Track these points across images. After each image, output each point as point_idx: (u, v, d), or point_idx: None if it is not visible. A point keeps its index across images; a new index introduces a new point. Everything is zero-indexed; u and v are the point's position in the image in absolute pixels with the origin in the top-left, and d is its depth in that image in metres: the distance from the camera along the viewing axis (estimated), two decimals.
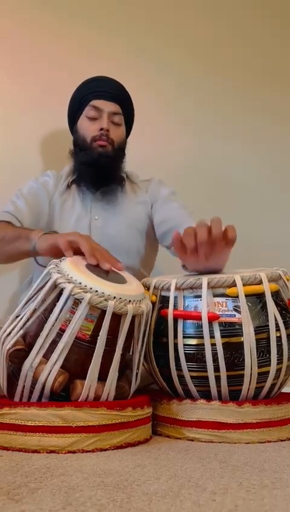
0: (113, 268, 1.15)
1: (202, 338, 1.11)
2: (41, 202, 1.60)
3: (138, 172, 1.74)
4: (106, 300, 1.01)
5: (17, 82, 1.94)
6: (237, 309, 1.12)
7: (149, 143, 2.01)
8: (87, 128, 1.60)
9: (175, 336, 1.15)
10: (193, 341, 1.13)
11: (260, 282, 1.14)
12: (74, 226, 1.57)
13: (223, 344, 1.10)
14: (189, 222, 1.51)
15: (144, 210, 1.66)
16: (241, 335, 1.10)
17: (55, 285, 1.04)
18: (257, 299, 1.14)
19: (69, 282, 1.02)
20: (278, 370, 1.14)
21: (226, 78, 2.15)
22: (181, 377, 1.15)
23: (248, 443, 1.08)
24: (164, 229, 1.61)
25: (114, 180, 1.63)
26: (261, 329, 1.12)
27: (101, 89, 1.61)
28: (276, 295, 1.17)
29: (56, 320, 1.01)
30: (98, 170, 1.58)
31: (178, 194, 1.73)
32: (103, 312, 1.01)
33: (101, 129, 1.57)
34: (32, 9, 1.97)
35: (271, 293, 1.14)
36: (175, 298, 1.16)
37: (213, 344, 1.10)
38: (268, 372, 1.13)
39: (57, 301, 1.02)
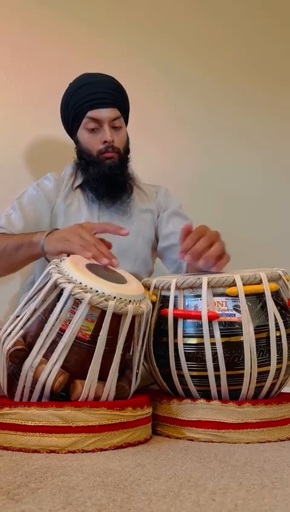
0: (110, 266, 1.16)
1: (202, 337, 1.11)
2: (42, 211, 1.55)
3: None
4: (106, 300, 1.01)
5: (17, 82, 1.94)
6: (237, 309, 1.12)
7: (148, 142, 2.01)
8: (90, 141, 1.54)
9: (175, 336, 1.15)
10: (193, 340, 1.13)
11: (260, 282, 1.14)
12: None
13: (223, 344, 1.10)
14: None
15: (150, 219, 1.64)
16: (241, 335, 1.10)
17: (55, 286, 1.04)
18: (256, 299, 1.14)
19: (69, 282, 1.02)
20: (278, 370, 1.14)
21: (227, 78, 2.15)
22: (181, 376, 1.15)
23: (248, 443, 1.08)
24: (167, 244, 1.60)
25: (126, 190, 1.60)
26: (261, 329, 1.12)
27: (95, 96, 1.52)
28: (276, 294, 1.17)
29: (56, 320, 1.01)
30: (111, 183, 1.54)
31: (179, 196, 1.73)
32: (103, 312, 1.01)
33: (105, 141, 1.52)
34: (32, 9, 1.97)
35: (271, 292, 1.14)
36: (175, 297, 1.16)
37: (213, 344, 1.10)
38: (268, 372, 1.13)
39: (57, 301, 1.02)
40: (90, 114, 1.52)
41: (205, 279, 1.13)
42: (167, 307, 1.17)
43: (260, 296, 1.14)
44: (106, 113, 1.52)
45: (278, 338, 1.13)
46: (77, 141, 1.60)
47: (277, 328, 1.13)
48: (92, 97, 1.51)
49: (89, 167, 1.56)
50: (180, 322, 1.15)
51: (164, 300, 1.19)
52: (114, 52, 2.02)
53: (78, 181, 1.61)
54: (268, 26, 2.21)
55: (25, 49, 1.95)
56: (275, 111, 2.16)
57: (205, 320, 1.11)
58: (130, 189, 1.62)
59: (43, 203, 1.56)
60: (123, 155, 1.57)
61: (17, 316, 1.10)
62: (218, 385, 1.12)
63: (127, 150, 1.60)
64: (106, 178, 1.54)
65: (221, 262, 1.23)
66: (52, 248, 1.24)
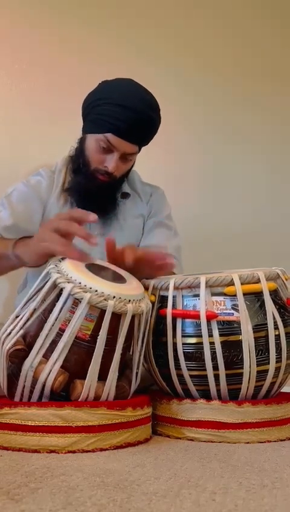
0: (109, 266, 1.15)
1: (201, 336, 1.11)
2: (33, 210, 1.47)
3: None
4: (105, 300, 1.01)
5: (17, 82, 1.94)
6: (235, 308, 1.12)
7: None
8: (94, 154, 1.44)
9: (174, 336, 1.15)
10: (192, 340, 1.13)
11: (258, 281, 1.14)
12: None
13: (222, 343, 1.10)
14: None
15: (142, 223, 1.61)
16: (240, 333, 1.11)
17: (54, 285, 1.04)
18: (255, 298, 1.14)
19: (68, 282, 1.02)
20: (277, 369, 1.14)
21: (227, 78, 2.15)
22: (180, 376, 1.15)
23: (247, 443, 1.09)
24: None
25: (113, 206, 1.53)
26: (259, 327, 1.12)
27: (124, 125, 1.38)
28: (274, 293, 1.17)
29: (56, 320, 1.01)
30: (94, 198, 1.46)
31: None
32: (103, 312, 1.01)
33: (105, 166, 1.43)
34: (33, 9, 1.97)
35: (269, 291, 1.14)
36: (174, 297, 1.17)
37: (212, 343, 1.10)
38: (267, 370, 1.13)
39: (57, 301, 1.03)
40: (108, 136, 1.40)
41: (203, 278, 1.13)
42: (166, 307, 1.17)
43: (258, 295, 1.14)
44: (124, 146, 1.42)
45: (277, 337, 1.13)
46: (83, 139, 1.50)
47: (276, 327, 1.13)
48: (120, 124, 1.39)
49: (79, 174, 1.49)
50: (179, 321, 1.15)
51: (163, 300, 1.19)
52: (114, 52, 2.02)
53: (68, 183, 1.53)
54: (268, 26, 2.21)
55: (25, 50, 1.95)
56: (275, 111, 2.17)
57: (203, 319, 1.11)
58: (116, 205, 1.54)
59: (35, 202, 1.49)
60: (117, 180, 1.50)
61: (17, 316, 1.10)
62: (217, 384, 1.12)
63: (125, 175, 1.54)
64: (90, 194, 1.46)
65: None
66: (30, 255, 1.16)
